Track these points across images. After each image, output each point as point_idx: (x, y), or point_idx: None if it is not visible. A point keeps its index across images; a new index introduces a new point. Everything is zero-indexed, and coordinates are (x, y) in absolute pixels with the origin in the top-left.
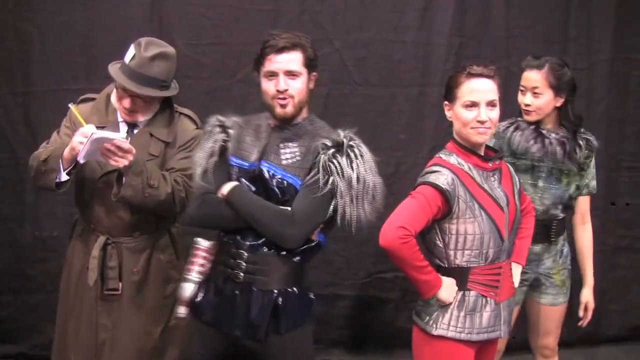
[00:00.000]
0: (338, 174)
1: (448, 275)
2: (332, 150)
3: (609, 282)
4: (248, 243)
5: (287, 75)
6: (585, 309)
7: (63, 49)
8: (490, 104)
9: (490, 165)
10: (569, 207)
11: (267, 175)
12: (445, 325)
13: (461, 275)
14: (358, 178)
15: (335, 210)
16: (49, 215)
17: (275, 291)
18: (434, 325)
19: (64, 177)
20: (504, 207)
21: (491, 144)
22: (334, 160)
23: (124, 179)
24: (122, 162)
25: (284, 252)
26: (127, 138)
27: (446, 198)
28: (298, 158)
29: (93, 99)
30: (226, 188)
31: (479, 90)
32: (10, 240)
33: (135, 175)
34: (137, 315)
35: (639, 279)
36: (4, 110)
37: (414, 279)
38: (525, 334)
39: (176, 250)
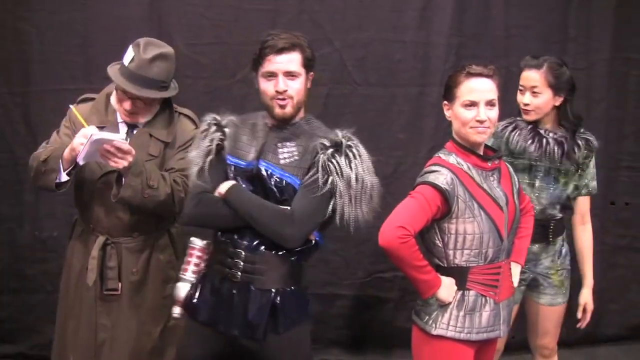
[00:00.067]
0: (337, 173)
1: (447, 275)
2: (331, 150)
3: (608, 282)
4: (246, 242)
5: (286, 75)
6: (584, 310)
7: (62, 48)
8: (490, 103)
9: (490, 164)
10: (567, 207)
11: (265, 174)
12: (445, 324)
13: (460, 275)
14: (357, 178)
15: (334, 210)
16: (49, 216)
17: (273, 290)
18: (434, 325)
19: (64, 177)
20: (503, 206)
21: (490, 144)
22: (333, 160)
23: (123, 179)
24: (121, 163)
25: (282, 252)
26: (126, 139)
27: (445, 198)
28: (296, 157)
29: (92, 99)
30: (223, 187)
31: (478, 89)
32: (9, 240)
33: (135, 176)
34: (136, 316)
35: (638, 279)
36: (3, 110)
37: (413, 279)
38: (525, 333)
39: (176, 250)
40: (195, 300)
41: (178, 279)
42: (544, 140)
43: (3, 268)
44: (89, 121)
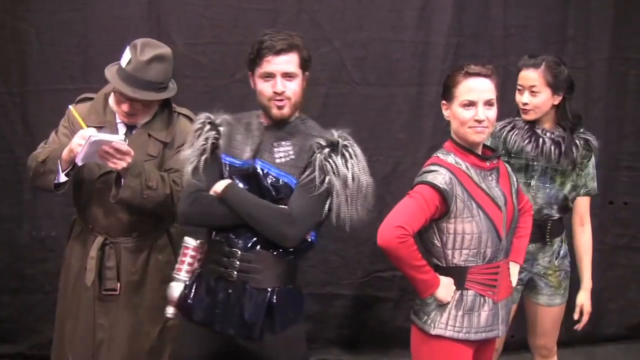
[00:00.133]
0: (334, 173)
1: (446, 275)
2: (327, 149)
3: (607, 281)
4: (242, 241)
5: (284, 77)
6: (581, 312)
7: (61, 48)
8: (488, 103)
9: (488, 164)
10: (565, 208)
11: (261, 173)
12: (443, 324)
13: (459, 275)
14: (353, 177)
15: (330, 209)
16: (47, 215)
17: (269, 289)
18: (432, 325)
19: (63, 178)
20: (502, 206)
21: (488, 143)
22: (330, 160)
23: (122, 180)
24: (120, 165)
25: (278, 251)
26: (125, 139)
27: (444, 197)
28: (292, 157)
29: (91, 99)
30: (219, 186)
31: (476, 89)
32: (8, 240)
33: (134, 177)
34: (134, 316)
35: (637, 278)
36: (2, 110)
37: (411, 278)
38: (523, 332)
39: (174, 250)
40: (190, 300)
41: (172, 279)
42: (541, 140)
43: (2, 268)
44: (88, 121)
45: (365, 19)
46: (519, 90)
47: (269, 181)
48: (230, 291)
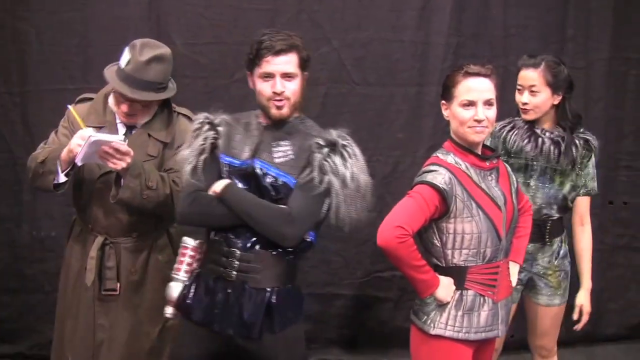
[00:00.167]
0: (333, 172)
1: (446, 275)
2: (326, 149)
3: (607, 281)
4: (241, 241)
5: (283, 77)
6: (581, 312)
7: (61, 48)
8: (488, 102)
9: (488, 164)
10: (565, 207)
11: (260, 173)
12: (443, 324)
13: (459, 275)
14: (352, 177)
15: (328, 209)
16: (47, 215)
17: (269, 289)
18: (432, 325)
19: (62, 178)
20: (502, 206)
21: (487, 143)
22: (329, 159)
23: (122, 181)
24: (120, 165)
25: (278, 251)
26: (125, 139)
27: (443, 197)
28: (291, 156)
29: (91, 99)
30: (218, 186)
31: (476, 89)
32: (8, 240)
33: (134, 177)
34: (134, 316)
35: (637, 278)
36: (1, 110)
37: (411, 278)
38: (523, 332)
39: (174, 250)
40: (189, 300)
41: (170, 279)
42: (540, 140)
43: (2, 268)
44: (87, 121)
45: (365, 18)
46: (518, 90)
47: (268, 181)
48: (229, 291)
